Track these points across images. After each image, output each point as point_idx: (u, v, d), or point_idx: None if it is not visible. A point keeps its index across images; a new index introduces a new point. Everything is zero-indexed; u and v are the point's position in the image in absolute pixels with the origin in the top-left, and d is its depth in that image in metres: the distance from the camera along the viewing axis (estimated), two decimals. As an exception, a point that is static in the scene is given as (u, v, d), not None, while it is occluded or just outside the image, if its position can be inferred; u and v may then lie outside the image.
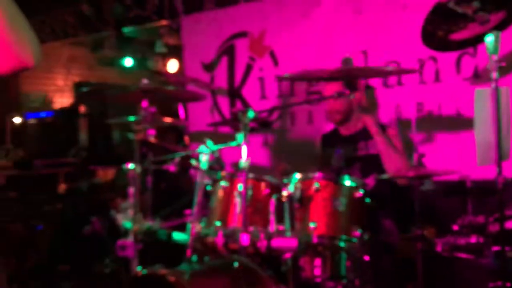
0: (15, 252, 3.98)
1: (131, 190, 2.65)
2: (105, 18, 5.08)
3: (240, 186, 2.42)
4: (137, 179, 2.66)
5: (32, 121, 5.26)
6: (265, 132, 4.12)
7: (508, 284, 2.25)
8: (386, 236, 2.85)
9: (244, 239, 2.28)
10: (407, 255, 2.66)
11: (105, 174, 4.72)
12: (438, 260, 2.63)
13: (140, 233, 2.57)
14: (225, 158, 2.77)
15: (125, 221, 2.61)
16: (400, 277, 2.76)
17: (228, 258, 2.30)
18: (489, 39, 2.16)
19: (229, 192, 2.54)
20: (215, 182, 2.59)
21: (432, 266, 2.61)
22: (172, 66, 5.75)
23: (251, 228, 2.38)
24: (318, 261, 2.39)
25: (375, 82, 3.56)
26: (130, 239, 2.55)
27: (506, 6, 2.73)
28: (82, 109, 5.01)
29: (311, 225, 2.39)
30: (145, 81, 2.72)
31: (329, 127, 3.44)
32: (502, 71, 2.23)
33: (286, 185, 2.48)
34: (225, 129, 4.12)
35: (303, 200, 2.44)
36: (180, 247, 2.50)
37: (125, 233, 2.60)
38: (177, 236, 2.63)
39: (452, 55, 3.36)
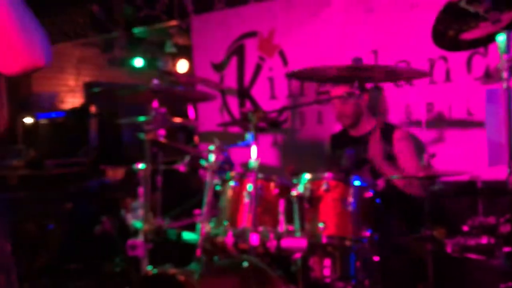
0: (26, 251, 4.01)
1: (141, 190, 2.66)
2: (115, 18, 5.10)
3: (249, 186, 2.42)
4: (147, 179, 2.67)
5: (43, 121, 5.30)
6: (274, 132, 4.11)
7: (519, 285, 2.24)
8: (396, 236, 2.84)
9: (254, 239, 2.29)
10: (417, 255, 2.65)
11: (115, 174, 4.75)
12: (448, 261, 2.61)
13: (150, 232, 2.58)
14: (235, 158, 2.77)
15: (135, 220, 2.62)
16: (410, 278, 2.75)
17: (238, 258, 2.30)
18: (501, 38, 2.15)
19: (238, 192, 2.54)
20: (224, 182, 2.60)
21: (442, 267, 2.59)
22: (182, 66, 5.77)
23: (261, 228, 2.38)
24: (327, 262, 2.39)
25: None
26: (140, 239, 2.57)
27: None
28: (93, 109, 5.04)
29: (321, 225, 2.39)
30: (155, 81, 2.73)
31: (338, 127, 3.43)
32: (514, 70, 2.22)
33: (295, 185, 2.48)
34: (235, 129, 4.12)
35: (312, 200, 2.44)
36: (190, 247, 2.51)
37: (135, 232, 2.61)
38: (187, 236, 2.63)
39: (463, 55, 3.34)
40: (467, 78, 3.35)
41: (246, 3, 4.28)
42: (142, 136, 2.71)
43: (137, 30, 5.14)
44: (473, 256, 2.53)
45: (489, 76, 3.26)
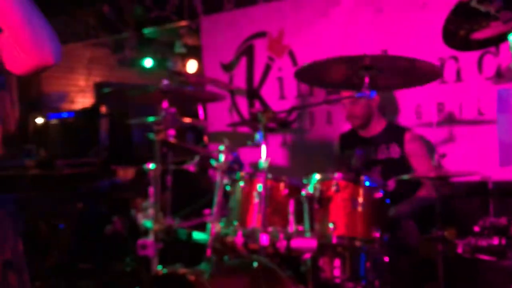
0: (37, 251, 4.04)
1: (152, 189, 2.67)
2: (126, 19, 5.12)
3: (259, 187, 2.42)
4: (157, 179, 2.68)
5: (54, 121, 5.33)
6: (283, 132, 4.11)
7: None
8: (406, 237, 2.83)
9: (264, 239, 2.29)
10: (427, 256, 2.64)
11: (126, 174, 4.76)
12: (459, 261, 2.60)
13: (160, 232, 2.59)
14: (244, 159, 2.77)
15: (146, 220, 2.63)
16: (420, 279, 2.74)
17: (248, 258, 2.31)
18: (512, 38, 2.13)
19: (248, 192, 2.54)
20: (234, 182, 2.60)
21: (453, 268, 2.58)
22: (192, 66, 5.78)
23: (271, 228, 2.38)
24: (337, 262, 2.39)
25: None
26: (150, 239, 2.57)
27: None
28: (103, 109, 5.06)
29: (331, 225, 2.38)
30: (165, 81, 2.74)
31: (347, 126, 3.42)
32: (525, 70, 2.20)
33: (305, 185, 2.48)
34: (244, 129, 4.12)
35: (322, 201, 2.44)
36: (200, 247, 2.51)
37: (145, 232, 2.61)
38: (197, 235, 2.64)
39: (474, 54, 3.32)
40: (478, 78, 3.33)
41: (255, 3, 4.28)
42: (152, 136, 2.71)
43: (147, 31, 5.16)
44: (484, 257, 2.51)
45: (500, 75, 3.24)
